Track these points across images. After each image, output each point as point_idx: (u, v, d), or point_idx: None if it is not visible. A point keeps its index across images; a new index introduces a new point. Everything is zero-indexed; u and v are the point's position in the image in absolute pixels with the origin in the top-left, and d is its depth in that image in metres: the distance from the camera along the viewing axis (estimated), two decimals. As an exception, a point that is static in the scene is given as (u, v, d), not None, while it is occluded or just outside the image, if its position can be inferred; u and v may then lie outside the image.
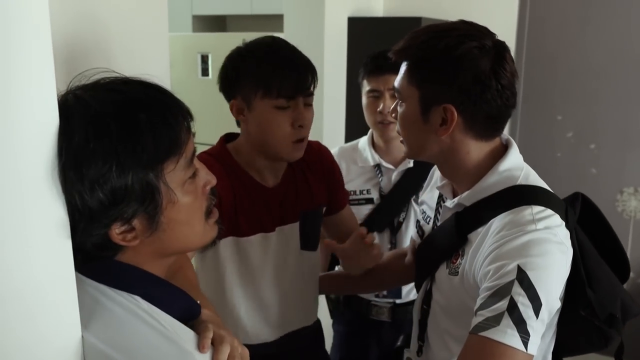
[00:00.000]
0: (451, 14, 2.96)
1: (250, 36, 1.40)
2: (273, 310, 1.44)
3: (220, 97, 1.38)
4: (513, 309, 0.91)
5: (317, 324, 1.59)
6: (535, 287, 0.93)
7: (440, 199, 1.35)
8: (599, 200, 1.22)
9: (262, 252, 1.40)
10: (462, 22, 1.10)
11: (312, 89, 1.33)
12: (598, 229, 1.16)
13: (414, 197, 1.87)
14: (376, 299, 1.94)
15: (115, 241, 0.78)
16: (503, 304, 0.92)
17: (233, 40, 3.23)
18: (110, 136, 0.73)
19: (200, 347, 0.78)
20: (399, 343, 1.43)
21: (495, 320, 0.91)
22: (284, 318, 1.46)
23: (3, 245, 0.65)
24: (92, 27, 1.29)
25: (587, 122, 3.04)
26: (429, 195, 1.85)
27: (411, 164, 1.86)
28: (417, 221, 1.88)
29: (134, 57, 1.42)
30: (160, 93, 0.81)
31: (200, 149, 1.03)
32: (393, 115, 1.21)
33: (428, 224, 1.85)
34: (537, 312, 0.92)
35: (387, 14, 3.15)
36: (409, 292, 1.92)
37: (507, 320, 0.91)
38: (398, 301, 1.92)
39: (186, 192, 0.81)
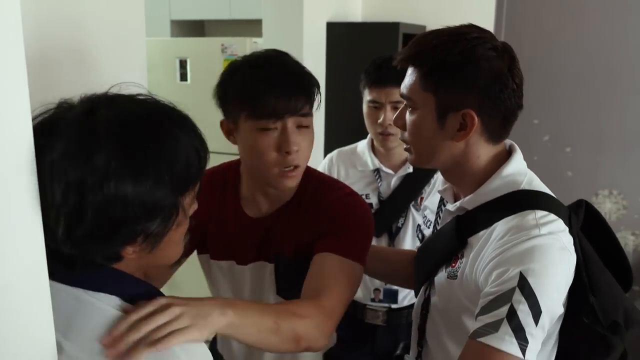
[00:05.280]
0: (428, 20, 3.00)
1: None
2: (241, 346, 1.35)
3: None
4: (512, 316, 0.91)
5: None
6: (536, 294, 0.92)
7: (441, 202, 1.33)
8: (574, 203, 1.23)
9: (231, 282, 1.32)
10: (468, 26, 1.08)
11: (307, 109, 1.16)
12: (601, 237, 1.14)
13: (413, 202, 1.86)
14: (372, 304, 1.92)
15: (122, 253, 0.80)
16: (502, 310, 0.92)
17: (211, 45, 3.25)
18: (146, 157, 0.76)
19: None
20: (398, 351, 1.41)
21: (493, 327, 0.91)
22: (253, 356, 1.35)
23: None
24: (67, 31, 1.28)
25: (562, 125, 3.09)
26: (431, 199, 1.84)
27: (410, 169, 1.85)
28: (418, 225, 1.87)
29: (111, 61, 1.41)
30: (183, 119, 0.85)
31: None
32: (398, 124, 1.15)
33: (428, 228, 1.84)
34: (536, 319, 0.92)
35: (365, 19, 3.17)
36: (405, 297, 1.92)
37: (505, 327, 0.90)
38: (394, 306, 1.91)
39: (186, 216, 0.86)
